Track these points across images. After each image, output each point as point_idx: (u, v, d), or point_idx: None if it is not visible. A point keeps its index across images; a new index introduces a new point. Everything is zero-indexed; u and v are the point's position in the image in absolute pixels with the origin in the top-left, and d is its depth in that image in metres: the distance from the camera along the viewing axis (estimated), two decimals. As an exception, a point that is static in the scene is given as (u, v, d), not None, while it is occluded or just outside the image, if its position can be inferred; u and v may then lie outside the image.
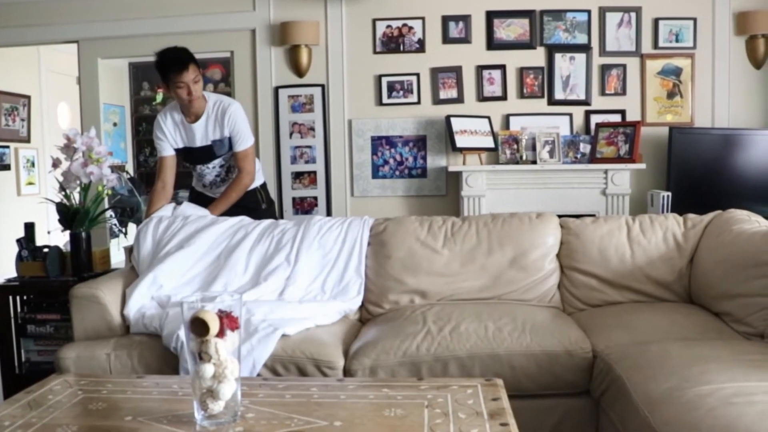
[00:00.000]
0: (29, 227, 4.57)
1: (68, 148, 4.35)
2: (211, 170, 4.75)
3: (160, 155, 4.67)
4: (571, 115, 6.30)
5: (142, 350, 3.35)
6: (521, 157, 6.07)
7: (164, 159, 4.65)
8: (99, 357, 3.34)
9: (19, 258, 4.46)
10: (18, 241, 4.50)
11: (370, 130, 6.43)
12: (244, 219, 4.27)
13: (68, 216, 4.39)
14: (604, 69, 6.27)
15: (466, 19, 6.31)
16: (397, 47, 6.37)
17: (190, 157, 4.71)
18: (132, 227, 10.23)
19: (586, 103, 6.30)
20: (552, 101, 6.32)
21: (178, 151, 4.67)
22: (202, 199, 4.80)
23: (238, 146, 4.61)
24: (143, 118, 11.65)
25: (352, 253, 4.07)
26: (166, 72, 4.40)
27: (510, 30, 6.29)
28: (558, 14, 6.27)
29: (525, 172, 6.04)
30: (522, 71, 6.32)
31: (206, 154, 4.65)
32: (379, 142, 6.39)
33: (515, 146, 6.10)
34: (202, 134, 4.59)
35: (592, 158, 6.01)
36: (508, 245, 4.00)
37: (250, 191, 4.74)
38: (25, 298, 4.40)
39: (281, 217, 6.34)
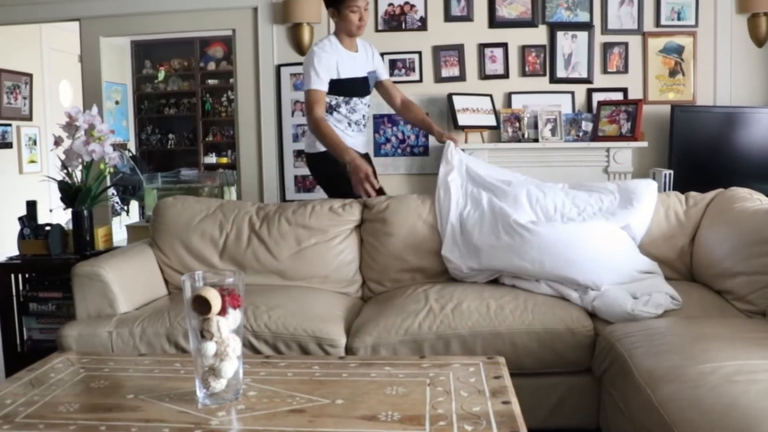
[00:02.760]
0: (31, 205, 4.57)
1: (70, 126, 4.35)
2: (363, 105, 4.69)
3: (314, 87, 4.38)
4: (573, 93, 6.26)
5: (144, 328, 3.35)
6: (523, 135, 6.04)
7: (320, 92, 4.40)
8: (101, 335, 3.35)
9: (21, 236, 4.46)
10: (20, 219, 4.50)
11: (372, 108, 6.38)
12: None
13: (70, 194, 4.40)
14: (606, 47, 6.23)
15: (468, -4, 6.28)
16: (398, 25, 6.33)
17: (350, 89, 4.55)
18: (134, 205, 10.23)
19: (588, 81, 6.26)
20: (554, 79, 6.28)
21: (333, 82, 4.46)
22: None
23: (386, 73, 4.94)
24: (145, 96, 11.68)
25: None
26: None
27: (512, 8, 6.25)
28: (560, -8, 6.25)
29: (527, 150, 6.01)
30: (524, 49, 6.27)
31: (367, 85, 4.67)
32: (381, 120, 6.36)
33: (517, 124, 6.07)
34: (364, 63, 4.63)
35: (594, 136, 5.99)
36: (510, 223, 3.99)
37: None
38: (27, 276, 4.41)
39: (283, 196, 6.34)
